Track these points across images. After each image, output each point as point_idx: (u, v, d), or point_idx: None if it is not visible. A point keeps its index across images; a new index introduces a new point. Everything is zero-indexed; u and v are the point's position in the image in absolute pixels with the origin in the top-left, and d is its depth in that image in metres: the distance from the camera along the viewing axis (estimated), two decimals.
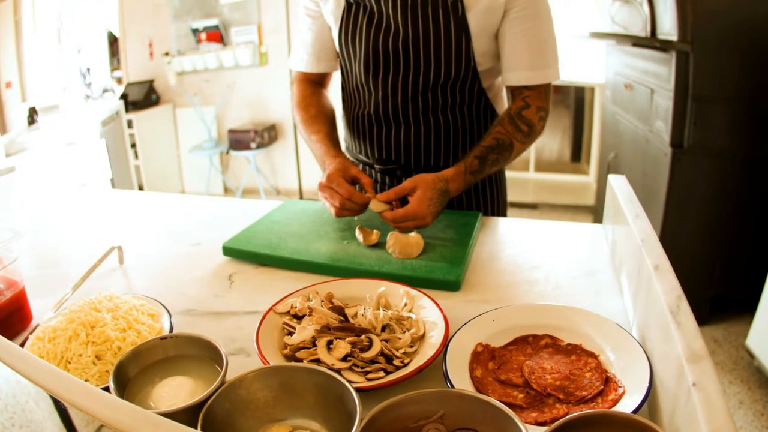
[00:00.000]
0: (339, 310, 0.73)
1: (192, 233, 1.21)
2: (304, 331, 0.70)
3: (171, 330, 0.76)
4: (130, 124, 3.67)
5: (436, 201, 1.01)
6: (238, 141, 4.22)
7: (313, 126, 1.22)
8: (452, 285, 0.87)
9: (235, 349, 0.78)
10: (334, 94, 1.38)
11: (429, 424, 0.51)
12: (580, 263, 1.00)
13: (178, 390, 0.62)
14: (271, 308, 0.78)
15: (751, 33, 1.89)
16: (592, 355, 0.69)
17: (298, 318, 0.76)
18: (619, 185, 1.07)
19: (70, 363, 0.69)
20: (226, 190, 4.69)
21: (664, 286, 0.67)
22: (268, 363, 0.65)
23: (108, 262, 1.05)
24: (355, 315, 0.73)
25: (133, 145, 3.75)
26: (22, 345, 0.75)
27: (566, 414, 0.59)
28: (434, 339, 0.68)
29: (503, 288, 0.90)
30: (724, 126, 2.05)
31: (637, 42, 2.31)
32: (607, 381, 0.64)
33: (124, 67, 3.88)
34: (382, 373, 0.63)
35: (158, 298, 0.84)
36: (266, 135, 4.31)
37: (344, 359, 0.65)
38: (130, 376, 0.65)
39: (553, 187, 4.32)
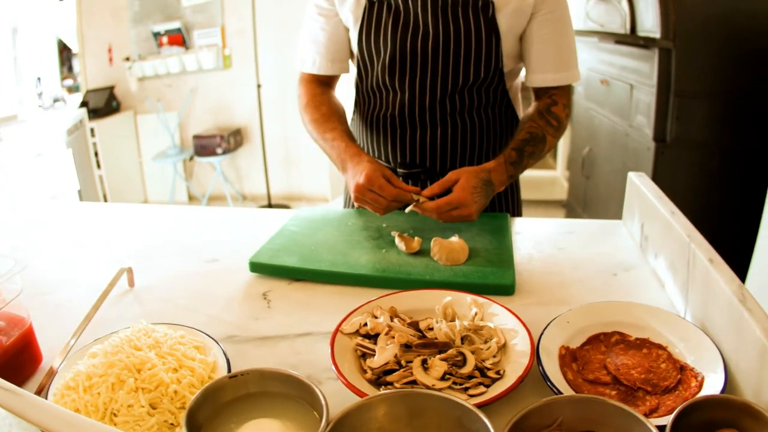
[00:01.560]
0: (414, 326, 0.74)
1: (204, 248, 1.16)
2: (385, 352, 0.68)
3: (228, 363, 0.71)
4: (92, 132, 3.57)
5: (480, 190, 1.03)
6: (204, 147, 4.16)
7: (327, 124, 1.22)
8: (507, 289, 0.90)
9: (310, 375, 0.75)
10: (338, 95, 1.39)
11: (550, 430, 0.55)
12: (614, 259, 1.06)
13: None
14: (337, 329, 0.76)
15: (730, 30, 2.02)
16: (660, 347, 0.75)
17: (369, 337, 0.75)
18: (642, 182, 1.14)
19: (116, 416, 0.62)
20: (191, 198, 4.61)
21: (725, 278, 0.73)
22: (362, 392, 0.63)
23: (116, 286, 0.97)
24: (429, 328, 0.73)
25: (96, 154, 3.65)
26: (39, 393, 0.69)
27: (657, 405, 0.65)
28: (519, 346, 0.70)
29: (554, 289, 0.95)
30: (705, 120, 2.18)
31: (620, 40, 2.42)
32: (683, 369, 0.70)
33: (83, 74, 3.78)
34: (482, 388, 0.64)
35: (187, 324, 0.80)
36: (232, 140, 4.27)
37: (442, 378, 0.64)
38: (201, 424, 0.58)
39: (521, 182, 4.44)
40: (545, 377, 0.65)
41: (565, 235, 1.18)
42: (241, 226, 1.30)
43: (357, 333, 0.75)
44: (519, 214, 1.41)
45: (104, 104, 3.75)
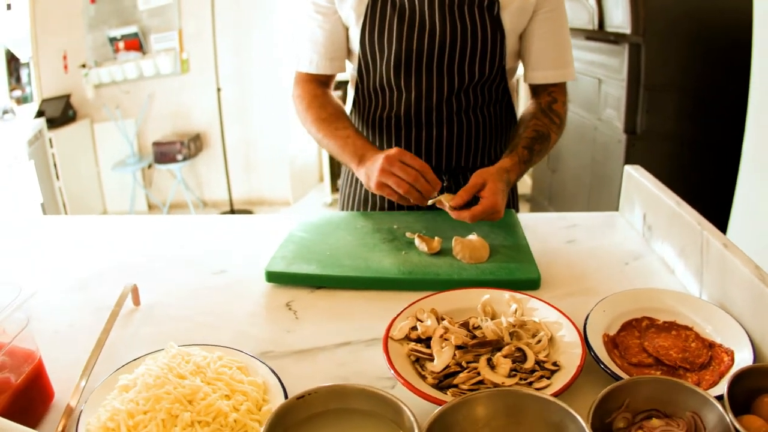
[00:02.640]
0: (465, 326, 0.77)
1: (207, 259, 1.14)
2: (443, 355, 0.70)
3: (281, 382, 0.69)
4: (50, 142, 3.47)
5: (505, 192, 1.07)
6: (164, 154, 4.10)
7: (336, 123, 1.21)
8: (534, 283, 0.96)
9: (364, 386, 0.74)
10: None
11: (618, 415, 0.61)
12: (621, 249, 1.14)
13: None
14: (387, 336, 0.76)
15: (697, 25, 2.16)
16: (687, 328, 0.82)
17: (419, 341, 0.76)
18: (642, 175, 1.22)
19: None
20: (151, 207, 4.53)
21: (742, 260, 0.82)
22: (433, 397, 0.65)
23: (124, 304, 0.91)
24: (476, 327, 0.77)
25: (55, 165, 3.54)
26: None
27: (698, 381, 0.72)
28: (567, 337, 0.75)
29: (575, 281, 1.01)
30: (675, 112, 2.31)
31: (590, 35, 2.54)
32: (711, 347, 0.78)
33: (37, 83, 3.66)
34: (545, 381, 0.67)
35: (212, 342, 0.78)
36: (192, 145, 4.23)
37: (509, 375, 0.67)
38: None
39: None
40: (601, 364, 0.71)
41: (569, 228, 1.25)
42: (233, 234, 1.29)
43: (407, 338, 0.77)
44: (517, 209, 1.48)
45: (60, 113, 3.65)
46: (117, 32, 3.74)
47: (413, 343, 0.75)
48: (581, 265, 1.07)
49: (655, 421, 0.61)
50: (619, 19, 2.24)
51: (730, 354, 0.75)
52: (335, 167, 4.69)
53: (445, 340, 0.73)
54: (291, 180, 4.62)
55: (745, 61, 1.82)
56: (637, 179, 1.22)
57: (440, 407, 0.55)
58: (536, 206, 4.00)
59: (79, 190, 3.88)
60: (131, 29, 3.73)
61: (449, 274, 0.98)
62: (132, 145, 4.06)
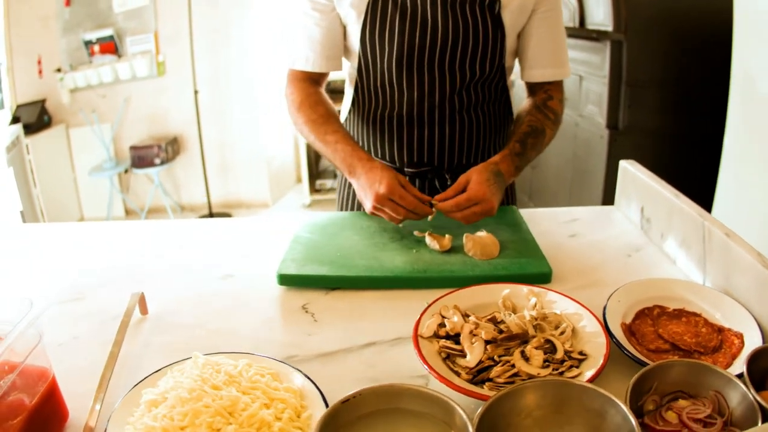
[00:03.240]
0: (493, 321, 0.80)
1: (210, 264, 1.13)
2: (474, 350, 0.73)
3: (317, 387, 0.69)
4: (27, 149, 3.41)
5: (493, 183, 1.08)
6: (141, 158, 4.07)
7: (327, 126, 1.22)
8: (545, 277, 1.00)
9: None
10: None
11: (648, 398, 0.65)
12: (622, 242, 1.19)
13: None
14: (416, 334, 0.78)
15: (678, 21, 2.24)
16: (695, 314, 0.87)
17: (449, 338, 0.79)
18: (637, 170, 1.28)
19: None
20: (128, 212, 4.48)
21: (745, 248, 0.87)
22: (472, 391, 0.67)
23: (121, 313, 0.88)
24: (500, 322, 0.80)
25: (32, 172, 3.48)
26: None
27: (713, 363, 0.76)
28: (588, 327, 0.79)
29: (583, 273, 1.05)
30: (656, 108, 2.39)
31: (571, 33, 2.60)
32: (720, 331, 0.83)
33: (12, 88, 3.58)
34: (575, 370, 0.71)
35: (232, 349, 0.78)
36: (170, 149, 4.20)
37: (542, 366, 0.70)
38: None
39: None
40: (625, 351, 0.76)
41: (570, 223, 1.30)
42: (232, 237, 1.28)
43: (435, 336, 0.80)
44: (513, 204, 1.52)
45: (36, 119, 3.59)
46: (92, 35, 3.69)
47: (443, 340, 0.78)
48: (586, 258, 1.12)
49: (682, 402, 0.65)
50: (601, 16, 2.31)
51: (740, 337, 0.80)
52: (313, 168, 4.70)
53: (474, 335, 0.76)
54: (269, 181, 4.61)
55: (725, 56, 1.89)
56: (633, 173, 1.28)
57: (489, 400, 0.58)
58: (517, 202, 4.07)
59: (56, 196, 3.83)
60: (107, 32, 3.69)
61: (463, 270, 1.01)
62: (108, 150, 4.01)
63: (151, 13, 3.72)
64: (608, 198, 2.67)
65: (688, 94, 2.35)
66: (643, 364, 0.72)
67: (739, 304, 0.85)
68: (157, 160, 4.07)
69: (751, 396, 0.62)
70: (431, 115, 1.26)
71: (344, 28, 1.27)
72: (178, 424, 0.60)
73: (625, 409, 0.57)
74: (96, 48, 3.72)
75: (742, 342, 0.79)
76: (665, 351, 0.79)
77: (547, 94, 1.31)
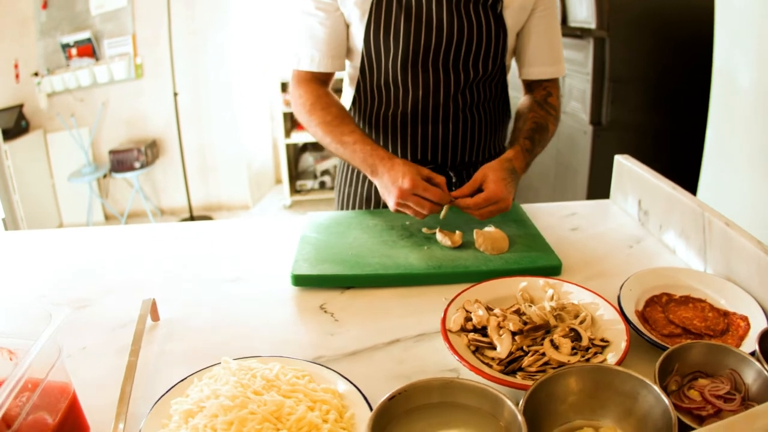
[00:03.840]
0: (518, 313, 0.84)
1: (216, 267, 1.13)
2: (503, 342, 0.76)
3: (356, 387, 0.70)
4: (6, 155, 3.35)
5: (509, 181, 1.12)
6: (121, 162, 4.03)
7: (343, 127, 1.23)
8: (556, 270, 1.05)
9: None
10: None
11: (671, 379, 0.70)
12: (622, 234, 1.24)
13: None
14: (444, 329, 0.81)
15: (660, 18, 2.32)
16: (700, 300, 0.93)
17: (476, 331, 0.82)
18: (633, 164, 1.33)
19: None
20: (108, 218, 4.43)
21: (745, 237, 0.93)
22: (507, 381, 0.71)
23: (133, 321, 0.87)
24: (522, 313, 0.84)
25: (11, 179, 3.42)
26: None
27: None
28: (606, 315, 0.84)
29: (590, 265, 1.10)
30: (638, 103, 2.47)
31: None
32: (726, 315, 0.88)
33: None
34: (600, 356, 0.75)
35: (250, 353, 0.78)
36: (149, 152, 4.17)
37: (571, 353, 0.75)
38: None
39: None
40: (644, 336, 0.81)
41: (569, 217, 1.35)
42: (234, 239, 1.29)
43: (462, 330, 0.83)
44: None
45: (14, 124, 3.53)
46: (69, 38, 3.65)
47: (471, 334, 0.81)
48: (589, 250, 1.17)
49: (701, 381, 0.70)
50: (584, 14, 2.37)
51: (745, 320, 0.85)
52: (293, 169, 4.70)
53: (501, 327, 0.80)
54: (248, 183, 4.60)
55: (706, 52, 1.97)
56: (629, 167, 1.33)
57: (531, 387, 0.62)
58: None
59: (34, 203, 3.77)
60: (84, 35, 3.64)
61: (477, 265, 1.05)
62: (87, 155, 3.96)
63: (129, 15, 3.69)
64: (592, 193, 2.74)
65: (670, 89, 2.43)
66: (661, 347, 0.78)
67: (742, 289, 0.91)
68: (137, 164, 4.04)
69: (765, 372, 0.67)
70: (435, 113, 1.29)
71: (347, 27, 1.28)
72: None
73: (658, 389, 0.61)
74: (73, 51, 3.67)
75: (748, 324, 0.84)
76: (678, 335, 0.84)
77: (546, 91, 1.36)
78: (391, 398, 0.61)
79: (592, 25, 2.32)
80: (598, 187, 2.69)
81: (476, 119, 1.34)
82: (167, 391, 0.70)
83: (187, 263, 1.16)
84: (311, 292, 1.03)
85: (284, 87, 4.23)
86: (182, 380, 0.72)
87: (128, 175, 4.04)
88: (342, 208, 1.51)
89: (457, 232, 1.14)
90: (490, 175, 1.12)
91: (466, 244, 1.13)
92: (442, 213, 1.15)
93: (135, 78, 3.93)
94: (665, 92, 2.44)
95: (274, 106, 4.52)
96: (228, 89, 4.26)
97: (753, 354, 0.71)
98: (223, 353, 0.78)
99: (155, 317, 0.94)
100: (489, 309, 0.86)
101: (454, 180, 1.34)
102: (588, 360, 0.75)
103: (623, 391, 0.65)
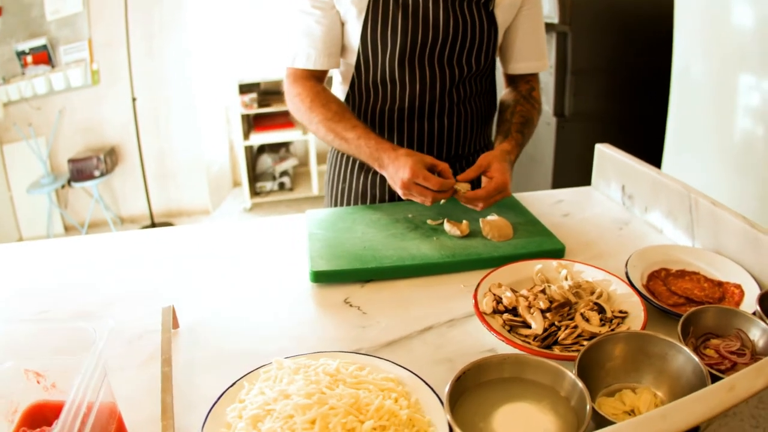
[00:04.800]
0: (543, 292, 0.91)
1: (224, 270, 1.13)
2: (536, 320, 0.83)
3: (413, 372, 0.73)
4: None
5: (509, 170, 1.20)
6: (80, 171, 3.93)
7: (345, 123, 1.25)
8: (560, 253, 1.13)
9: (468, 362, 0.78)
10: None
11: (687, 341, 0.78)
12: (610, 218, 1.33)
13: (532, 415, 0.63)
14: (479, 312, 0.87)
15: (620, 11, 2.45)
16: (695, 273, 1.02)
17: (506, 312, 0.88)
18: (614, 152, 1.43)
19: None
20: (67, 229, 4.31)
21: (731, 213, 1.03)
22: (550, 354, 0.77)
23: (156, 330, 0.87)
24: (543, 292, 0.91)
25: None
26: None
27: None
28: (619, 290, 0.92)
29: (588, 247, 1.19)
30: (600, 94, 2.60)
31: None
32: (720, 284, 0.98)
33: None
34: (623, 326, 0.83)
35: (284, 352, 0.78)
36: (108, 160, 4.08)
37: (600, 325, 0.83)
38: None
39: None
40: (657, 306, 0.89)
41: (558, 204, 1.44)
42: (234, 240, 1.28)
43: (494, 311, 0.90)
44: None
45: None
46: (25, 45, 3.53)
47: (506, 314, 0.88)
48: (584, 233, 1.26)
49: (714, 341, 0.79)
50: (547, 9, 2.48)
51: (739, 287, 0.95)
52: (251, 171, 4.67)
53: (530, 307, 0.87)
54: (208, 187, 4.56)
55: (666, 42, 2.10)
56: (611, 155, 1.43)
57: (579, 355, 0.69)
58: None
59: None
60: (39, 42, 3.53)
61: (488, 252, 1.12)
62: (46, 165, 3.85)
63: (85, 19, 3.60)
64: (557, 183, 2.86)
65: (631, 79, 2.57)
66: (673, 314, 0.86)
67: (731, 260, 1.01)
68: (97, 172, 3.95)
69: None
70: (431, 108, 1.35)
71: (342, 25, 1.31)
72: None
73: (687, 349, 0.69)
74: (29, 59, 3.56)
75: (742, 291, 0.94)
76: (682, 304, 0.93)
77: (530, 85, 1.44)
78: (458, 379, 0.66)
79: (555, 20, 2.43)
80: (563, 176, 2.82)
81: (468, 113, 1.40)
82: (219, 399, 0.70)
83: (193, 267, 1.15)
84: (330, 288, 1.05)
85: (242, 89, 4.22)
86: (231, 386, 0.72)
87: (88, 184, 3.95)
88: (335, 205, 1.53)
89: (464, 221, 1.20)
90: (495, 164, 1.19)
91: (473, 233, 1.19)
92: (442, 200, 1.20)
93: (92, 84, 3.84)
94: (626, 82, 2.58)
95: (232, 108, 4.49)
96: (186, 92, 4.21)
97: (754, 314, 0.80)
98: (255, 356, 0.79)
99: (175, 324, 0.92)
100: (513, 291, 0.93)
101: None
102: (613, 330, 0.83)
103: (654, 353, 0.73)
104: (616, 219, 1.33)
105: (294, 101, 1.34)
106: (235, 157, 4.82)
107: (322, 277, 1.05)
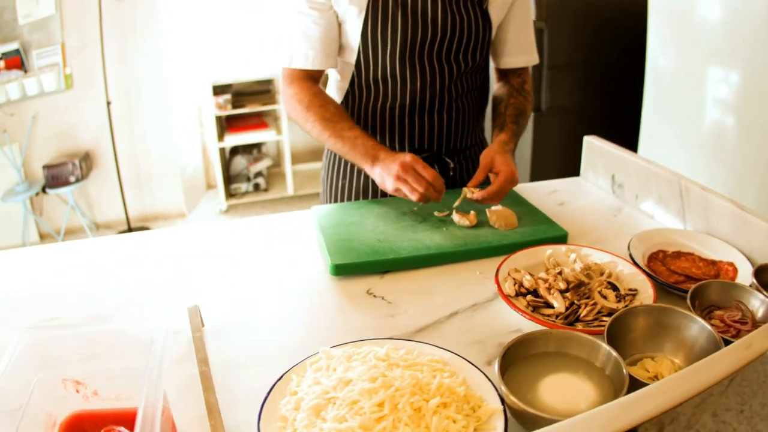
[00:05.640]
0: (560, 274, 0.98)
1: (241, 268, 1.14)
2: (558, 299, 0.90)
3: (457, 354, 0.76)
4: None
5: (512, 161, 1.25)
6: (55, 177, 3.87)
7: (342, 123, 1.29)
8: (564, 239, 1.20)
9: (501, 343, 0.85)
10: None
11: (695, 312, 0.86)
12: (603, 205, 1.42)
13: (574, 384, 0.68)
14: (504, 295, 0.94)
15: (593, 9, 2.54)
16: (689, 254, 1.11)
17: (528, 294, 0.95)
18: (602, 144, 1.51)
19: None
20: (43, 237, 4.24)
21: (721, 198, 1.12)
22: (572, 328, 0.84)
23: (177, 331, 0.88)
24: (559, 273, 0.98)
25: None
26: None
27: None
28: (626, 270, 1.00)
29: (587, 233, 1.27)
30: (576, 89, 2.70)
31: None
32: (714, 263, 1.07)
33: None
34: (636, 301, 0.90)
35: (320, 344, 0.80)
36: (84, 165, 4.03)
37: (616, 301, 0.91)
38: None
39: None
40: (663, 283, 0.97)
41: (552, 194, 1.51)
42: (246, 239, 1.29)
43: (520, 294, 0.96)
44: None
45: None
46: None
47: (529, 296, 0.95)
48: (582, 221, 1.33)
49: (717, 312, 0.87)
50: None
51: (732, 265, 1.04)
52: (225, 173, 4.64)
53: (550, 288, 0.94)
54: (183, 190, 4.53)
55: (640, 36, 2.20)
56: (600, 146, 1.51)
57: (606, 327, 0.76)
58: None
59: None
60: (12, 46, 3.46)
61: (498, 240, 1.18)
62: (20, 172, 3.78)
63: (57, 23, 3.55)
64: (535, 175, 2.96)
65: (606, 74, 2.67)
66: (678, 290, 0.94)
67: (722, 241, 1.10)
68: (72, 178, 3.89)
69: (767, 299, 0.85)
70: (432, 103, 1.40)
71: (339, 26, 1.33)
72: (376, 416, 0.61)
73: (701, 319, 0.77)
74: (1, 64, 3.48)
75: (735, 269, 1.03)
76: (682, 282, 1.02)
77: (521, 78, 1.52)
78: (509, 348, 0.72)
79: (532, 17, 2.51)
80: (542, 170, 2.92)
81: (465, 107, 1.47)
82: (269, 393, 0.70)
83: (211, 266, 1.16)
84: (350, 281, 1.08)
85: (216, 90, 4.21)
86: (279, 379, 0.73)
87: (63, 190, 3.89)
88: (333, 201, 1.57)
89: (471, 212, 1.26)
90: (498, 158, 1.25)
91: (480, 223, 1.25)
92: (457, 202, 1.27)
93: (65, 89, 3.78)
94: (601, 77, 2.68)
95: (205, 109, 4.48)
96: (160, 95, 4.18)
97: (752, 287, 0.89)
98: (291, 350, 0.83)
99: (201, 323, 0.92)
100: (531, 275, 1.00)
101: (451, 166, 1.47)
102: (626, 306, 0.90)
103: (669, 324, 0.80)
104: (610, 206, 1.41)
105: (291, 102, 1.37)
106: (209, 159, 4.80)
107: (342, 270, 1.08)
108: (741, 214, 1.06)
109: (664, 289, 0.97)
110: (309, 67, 1.34)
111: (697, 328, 0.77)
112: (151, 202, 4.57)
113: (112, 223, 4.45)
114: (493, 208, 1.27)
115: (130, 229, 4.31)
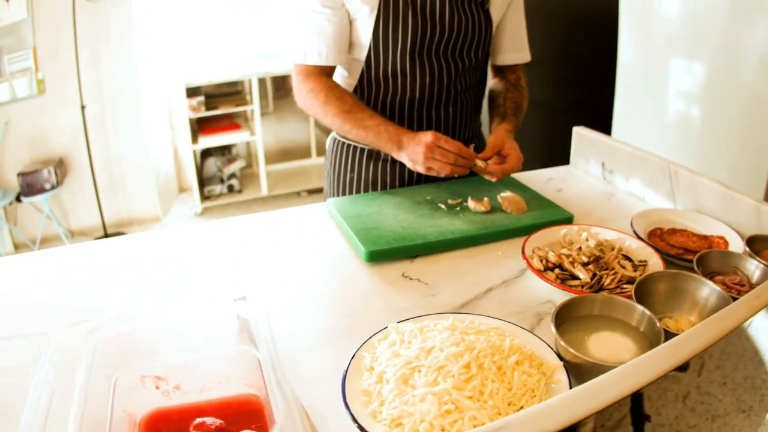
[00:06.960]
0: (579, 250, 1.10)
1: (271, 263, 1.17)
2: (582, 271, 1.01)
3: (512, 323, 0.84)
4: None
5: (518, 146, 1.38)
6: (31, 184, 3.81)
7: (362, 113, 1.37)
8: (570, 220, 1.32)
9: (537, 312, 0.97)
10: None
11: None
12: (596, 191, 1.55)
13: (615, 339, 0.79)
14: (533, 269, 1.03)
15: (567, 6, 2.69)
16: (683, 230, 1.24)
17: (554, 268, 1.05)
18: (591, 133, 1.64)
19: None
20: (17, 246, 4.16)
21: (708, 179, 1.26)
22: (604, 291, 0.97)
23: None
24: (581, 249, 1.11)
25: None
26: None
27: None
28: (634, 246, 1.12)
29: (590, 214, 1.39)
30: (551, 82, 2.84)
31: None
32: (706, 238, 1.20)
33: None
34: (649, 270, 1.02)
35: (376, 325, 0.85)
36: (58, 172, 3.97)
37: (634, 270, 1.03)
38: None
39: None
40: (669, 255, 1.10)
41: (549, 181, 1.63)
42: (260, 234, 1.31)
43: (547, 269, 1.06)
44: None
45: None
46: None
47: (557, 270, 1.06)
48: (581, 204, 1.46)
49: (718, 277, 1.00)
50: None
51: (723, 238, 1.18)
52: (200, 175, 4.64)
53: (573, 262, 1.06)
54: (158, 193, 4.51)
55: (612, 33, 2.34)
56: (589, 136, 1.64)
57: (632, 289, 0.88)
58: None
59: None
60: None
61: (514, 224, 1.29)
62: None
63: (29, 27, 3.49)
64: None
65: (568, 69, 2.82)
66: (683, 260, 1.07)
67: (712, 218, 1.24)
68: (48, 185, 3.84)
69: (762, 264, 0.98)
70: (439, 97, 1.49)
71: (350, 23, 1.40)
72: (465, 377, 0.66)
73: (711, 282, 0.90)
74: None
75: (726, 242, 1.17)
76: (683, 254, 1.15)
77: (516, 75, 1.63)
78: (559, 310, 0.82)
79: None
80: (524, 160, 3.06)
81: (468, 102, 1.57)
82: (347, 370, 0.75)
83: (241, 258, 1.19)
84: (382, 266, 1.14)
85: (189, 92, 4.21)
86: (352, 358, 0.77)
87: (38, 198, 3.83)
88: (341, 194, 1.63)
89: (485, 198, 1.37)
90: (507, 142, 1.37)
91: (493, 209, 1.35)
92: (456, 174, 1.34)
93: (37, 94, 3.73)
94: (565, 71, 2.83)
95: (177, 112, 4.46)
96: (133, 98, 4.15)
97: (745, 254, 1.03)
98: (348, 332, 0.89)
99: None
100: (552, 251, 1.11)
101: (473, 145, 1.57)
102: (641, 274, 1.03)
103: (683, 288, 0.93)
104: (602, 192, 1.54)
105: (307, 96, 1.42)
106: (180, 161, 4.78)
107: (376, 256, 1.14)
108: (728, 193, 1.20)
109: (667, 260, 1.10)
110: (323, 63, 1.40)
111: (708, 289, 0.90)
112: (126, 207, 4.53)
113: (87, 229, 4.40)
114: (504, 194, 1.38)
115: (106, 235, 4.26)
